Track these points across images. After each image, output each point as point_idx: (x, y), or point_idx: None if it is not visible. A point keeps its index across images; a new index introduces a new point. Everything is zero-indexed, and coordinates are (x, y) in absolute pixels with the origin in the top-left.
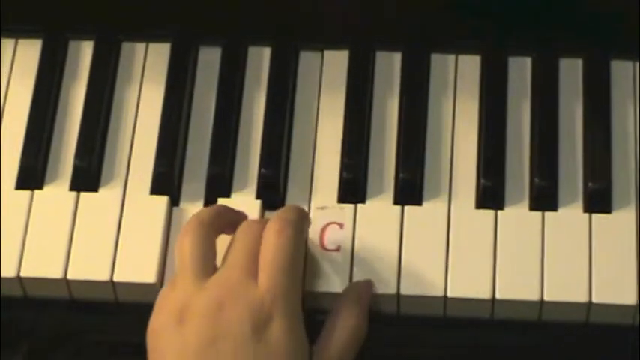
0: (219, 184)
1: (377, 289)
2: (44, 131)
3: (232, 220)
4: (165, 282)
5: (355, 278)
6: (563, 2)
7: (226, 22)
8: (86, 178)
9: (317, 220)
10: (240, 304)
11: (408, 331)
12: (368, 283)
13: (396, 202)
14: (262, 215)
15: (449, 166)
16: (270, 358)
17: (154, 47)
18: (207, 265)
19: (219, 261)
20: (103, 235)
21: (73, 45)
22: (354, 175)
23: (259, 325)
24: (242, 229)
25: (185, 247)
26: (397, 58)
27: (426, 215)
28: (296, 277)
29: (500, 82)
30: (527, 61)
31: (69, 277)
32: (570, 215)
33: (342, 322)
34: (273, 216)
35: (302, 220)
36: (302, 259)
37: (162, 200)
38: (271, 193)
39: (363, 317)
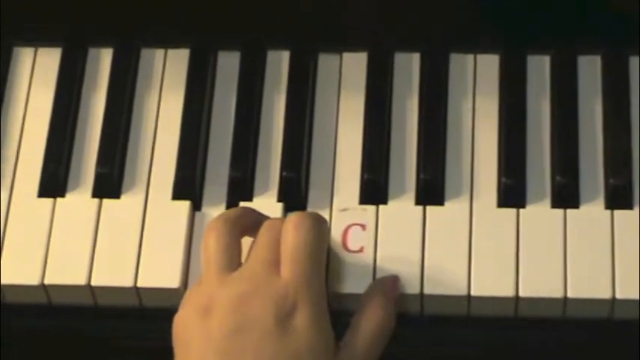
0: (241, 187)
1: (400, 289)
2: (65, 139)
3: (256, 222)
4: (189, 286)
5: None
6: (581, 0)
7: (245, 27)
8: (108, 185)
9: (339, 222)
10: (263, 296)
11: (433, 331)
12: (394, 278)
13: (417, 203)
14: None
15: (470, 165)
16: (294, 348)
17: (173, 53)
18: (232, 261)
19: (243, 260)
20: (126, 241)
21: (92, 52)
22: (376, 176)
23: (283, 316)
24: (265, 226)
25: (210, 243)
26: (416, 58)
27: (447, 215)
28: (319, 268)
29: (520, 81)
30: (546, 59)
31: (93, 283)
32: (592, 212)
33: (369, 314)
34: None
35: (320, 217)
36: (324, 251)
37: (185, 205)
38: (293, 196)
39: (390, 310)
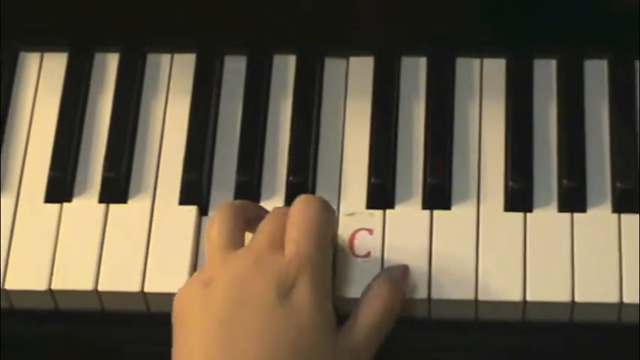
0: (248, 192)
1: (407, 293)
2: (72, 144)
3: (260, 216)
4: None
5: None
6: (587, 4)
7: (251, 31)
8: (115, 190)
9: (346, 227)
10: (265, 272)
11: (440, 336)
12: (404, 267)
13: (424, 207)
14: None
15: (477, 169)
16: (293, 320)
17: (179, 58)
18: (235, 242)
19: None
20: (132, 246)
21: (98, 57)
22: (383, 181)
23: (284, 291)
24: (271, 213)
25: (214, 226)
26: (422, 62)
27: (455, 219)
28: (324, 247)
29: (526, 85)
30: (553, 63)
31: (100, 288)
32: (599, 216)
33: (372, 300)
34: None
35: (328, 203)
36: (329, 232)
37: (191, 210)
38: None
39: (395, 297)
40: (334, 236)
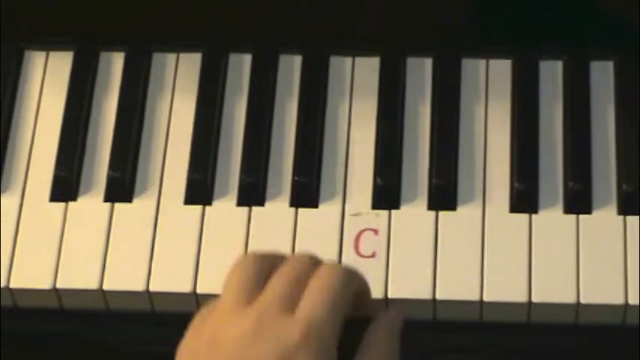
0: (253, 192)
1: (413, 294)
2: (77, 143)
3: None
4: (199, 290)
5: (390, 284)
6: (592, 5)
7: (257, 31)
8: (120, 189)
9: (351, 227)
10: (271, 339)
11: (445, 337)
12: (398, 311)
13: (430, 208)
14: (296, 222)
15: (482, 170)
16: None
17: (184, 57)
18: (252, 295)
19: None
20: (137, 245)
21: (104, 56)
22: (388, 181)
23: (286, 356)
24: (293, 259)
25: (234, 273)
26: (428, 63)
27: (460, 220)
28: (336, 318)
29: (532, 86)
30: (559, 65)
31: (105, 288)
32: (605, 218)
33: (372, 352)
34: None
35: (357, 271)
36: (346, 308)
37: (196, 209)
38: (305, 200)
39: (393, 344)
40: (368, 304)
